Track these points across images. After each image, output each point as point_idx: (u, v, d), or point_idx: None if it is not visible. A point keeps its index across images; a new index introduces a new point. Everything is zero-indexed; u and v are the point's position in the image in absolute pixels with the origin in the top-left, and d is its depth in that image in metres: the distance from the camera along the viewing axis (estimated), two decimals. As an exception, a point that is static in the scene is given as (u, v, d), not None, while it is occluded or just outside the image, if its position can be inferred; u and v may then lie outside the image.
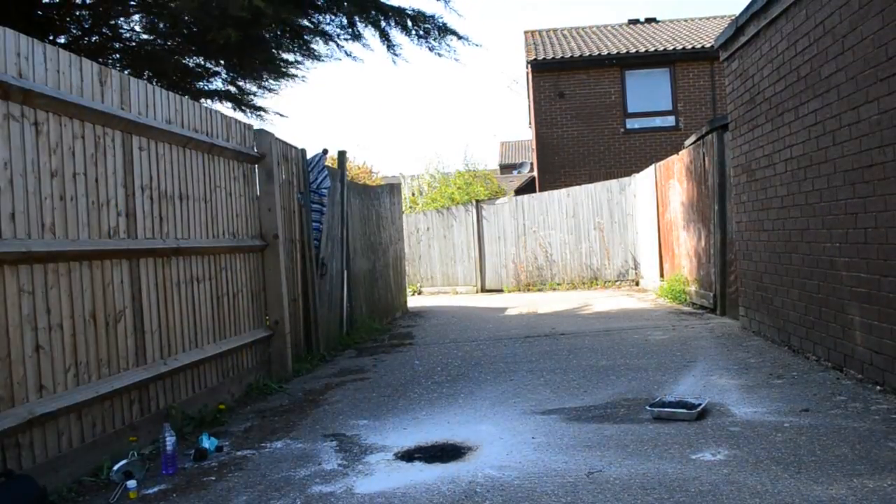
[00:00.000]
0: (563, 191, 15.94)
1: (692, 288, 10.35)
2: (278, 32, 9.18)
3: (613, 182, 15.34)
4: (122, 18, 9.02)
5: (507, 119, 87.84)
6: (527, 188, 24.23)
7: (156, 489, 3.74)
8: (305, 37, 9.48)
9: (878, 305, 4.68)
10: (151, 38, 9.39)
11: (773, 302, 6.68)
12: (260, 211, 6.63)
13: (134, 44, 9.45)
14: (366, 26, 9.22)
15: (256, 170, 6.63)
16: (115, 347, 4.33)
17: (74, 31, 8.91)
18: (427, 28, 9.12)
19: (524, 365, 6.55)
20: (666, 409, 4.41)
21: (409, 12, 9.00)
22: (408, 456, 4.00)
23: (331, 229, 8.58)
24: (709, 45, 16.80)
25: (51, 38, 8.25)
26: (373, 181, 23.96)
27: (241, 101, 10.79)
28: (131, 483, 3.64)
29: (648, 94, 18.03)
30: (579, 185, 16.14)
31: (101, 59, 8.46)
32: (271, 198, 6.65)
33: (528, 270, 16.17)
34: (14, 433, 3.46)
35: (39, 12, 8.14)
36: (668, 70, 17.94)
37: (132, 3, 8.42)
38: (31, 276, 3.66)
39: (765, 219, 6.78)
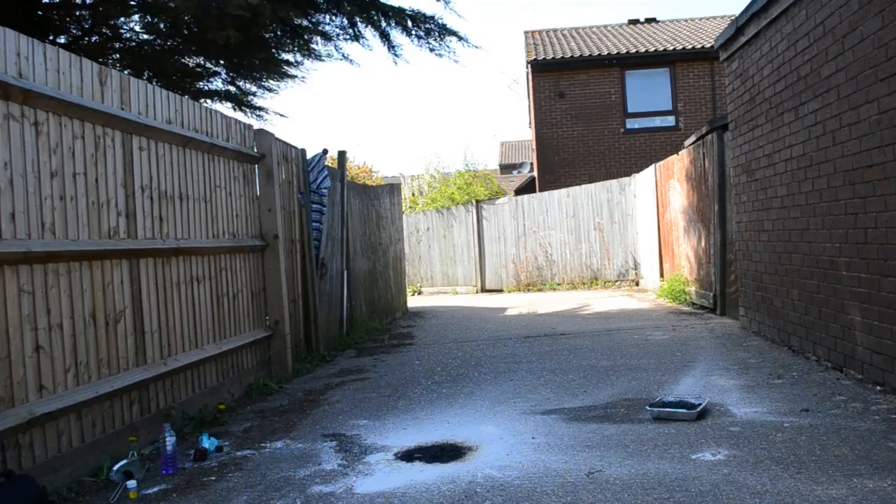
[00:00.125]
0: (563, 191, 15.94)
1: (692, 288, 10.35)
2: (278, 33, 9.18)
3: (613, 182, 15.34)
4: (122, 18, 9.02)
5: (507, 119, 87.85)
6: (527, 188, 24.24)
7: (156, 489, 3.74)
8: (305, 37, 9.48)
9: (878, 305, 4.68)
10: (151, 38, 9.39)
11: (773, 302, 6.68)
12: (260, 211, 6.63)
13: (134, 44, 9.45)
14: (366, 27, 9.22)
15: (256, 170, 6.63)
16: (115, 347, 4.33)
17: (74, 31, 8.91)
18: (427, 29, 9.12)
19: (524, 365, 6.55)
20: (666, 409, 4.41)
21: (410, 13, 9.00)
22: (408, 456, 4.00)
23: (331, 229, 8.58)
24: (709, 45, 16.79)
25: (51, 38, 8.25)
26: (373, 181, 23.96)
27: (241, 101, 10.80)
28: (131, 483, 3.65)
29: (648, 94, 18.03)
30: (579, 185, 16.14)
31: (101, 59, 8.46)
32: (271, 198, 6.65)
33: (528, 270, 16.17)
34: (14, 433, 3.46)
35: (39, 12, 8.14)
36: (668, 70, 17.94)
37: (132, 3, 8.42)
38: (31, 276, 3.67)
39: (765, 219, 6.78)
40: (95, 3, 8.54)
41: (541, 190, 17.66)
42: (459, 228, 17.45)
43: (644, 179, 13.88)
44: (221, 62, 9.65)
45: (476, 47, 12.47)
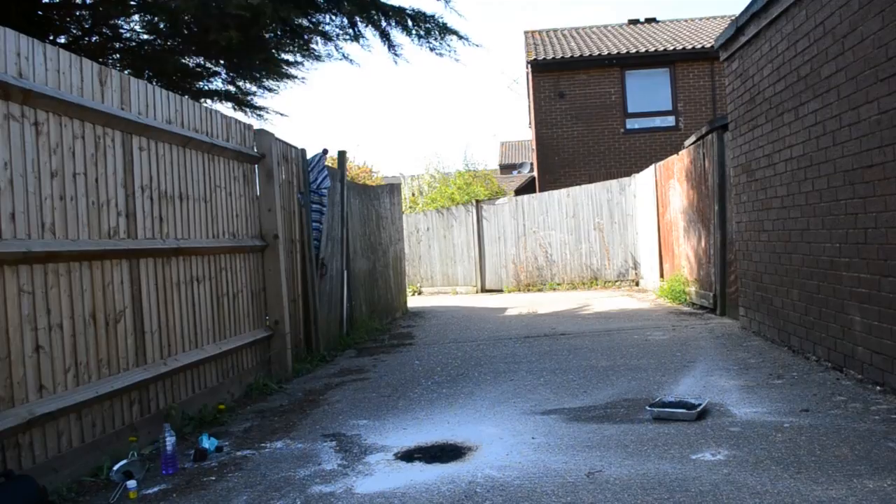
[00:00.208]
0: (563, 191, 15.94)
1: (692, 288, 10.35)
2: (278, 33, 9.18)
3: (613, 182, 15.34)
4: (122, 18, 9.02)
5: (507, 119, 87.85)
6: (527, 188, 24.24)
7: (156, 489, 3.74)
8: (305, 37, 9.48)
9: (878, 306, 4.68)
10: (151, 38, 9.39)
11: (773, 302, 6.68)
12: (260, 211, 6.63)
13: (134, 44, 9.45)
14: (366, 26, 9.22)
15: (256, 170, 6.63)
16: (115, 348, 4.33)
17: (74, 31, 8.91)
18: (428, 28, 9.12)
19: (524, 365, 6.55)
20: (666, 410, 4.41)
21: (410, 12, 9.00)
22: (408, 456, 4.00)
23: (331, 229, 8.58)
24: (709, 46, 16.79)
25: (51, 38, 8.25)
26: (373, 181, 23.95)
27: (241, 101, 10.80)
28: (131, 483, 3.65)
29: (648, 94, 18.03)
30: (579, 185, 16.14)
31: (101, 59, 8.46)
32: (271, 198, 6.65)
33: (528, 271, 16.17)
34: (14, 433, 3.46)
35: (39, 12, 8.14)
36: (668, 70, 17.94)
37: (132, 3, 8.42)
38: (31, 276, 3.67)
39: (765, 219, 6.78)
40: (95, 3, 8.54)
41: (541, 190, 17.66)
42: (459, 228, 17.45)
43: (644, 179, 13.88)
44: (221, 62, 9.65)
45: (476, 46, 12.46)
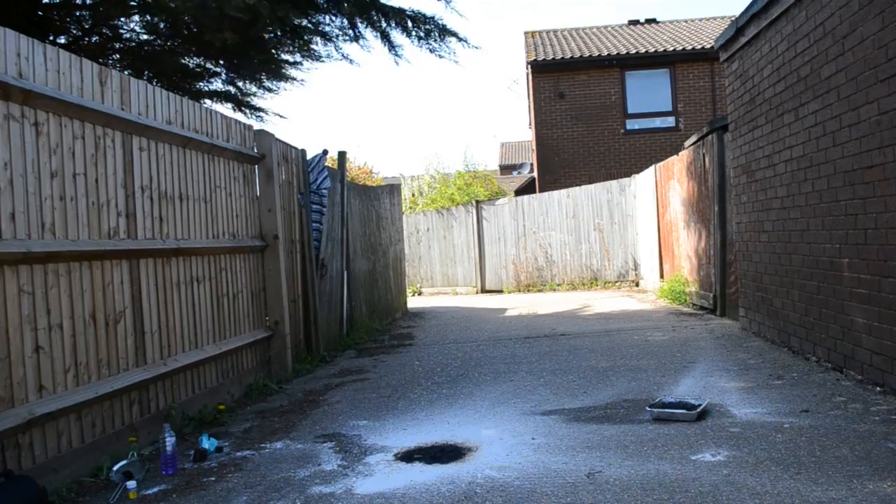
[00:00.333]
0: (563, 191, 15.94)
1: (692, 289, 10.35)
2: (278, 33, 9.18)
3: (613, 183, 15.34)
4: (122, 19, 9.02)
5: (507, 120, 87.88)
6: (527, 189, 24.24)
7: (156, 489, 3.74)
8: (305, 37, 9.48)
9: (878, 306, 4.68)
10: (151, 38, 9.39)
11: (773, 303, 6.68)
12: (260, 211, 6.63)
13: (134, 44, 9.45)
14: (366, 27, 9.23)
15: (256, 170, 6.63)
16: (115, 348, 4.33)
17: (74, 32, 8.91)
18: (428, 29, 9.12)
19: (524, 366, 6.55)
20: (666, 410, 4.41)
21: (410, 13, 9.00)
22: (408, 457, 4.00)
23: (331, 230, 8.58)
24: (709, 46, 16.80)
25: (51, 38, 8.25)
26: (373, 182, 23.96)
27: (240, 101, 10.80)
28: (131, 483, 3.64)
29: (648, 94, 18.03)
30: (579, 185, 16.14)
31: (101, 60, 8.46)
32: (271, 198, 6.65)
33: (528, 271, 16.17)
34: (14, 433, 3.46)
35: (40, 12, 8.14)
36: (668, 71, 17.94)
37: (132, 3, 8.42)
38: (31, 276, 3.67)
39: (765, 219, 6.78)
40: (95, 4, 8.54)
41: (541, 190, 17.66)
42: (459, 229, 17.45)
43: (644, 180, 13.89)
44: (221, 62, 9.65)
45: (476, 48, 12.48)
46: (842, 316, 5.25)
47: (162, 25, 8.81)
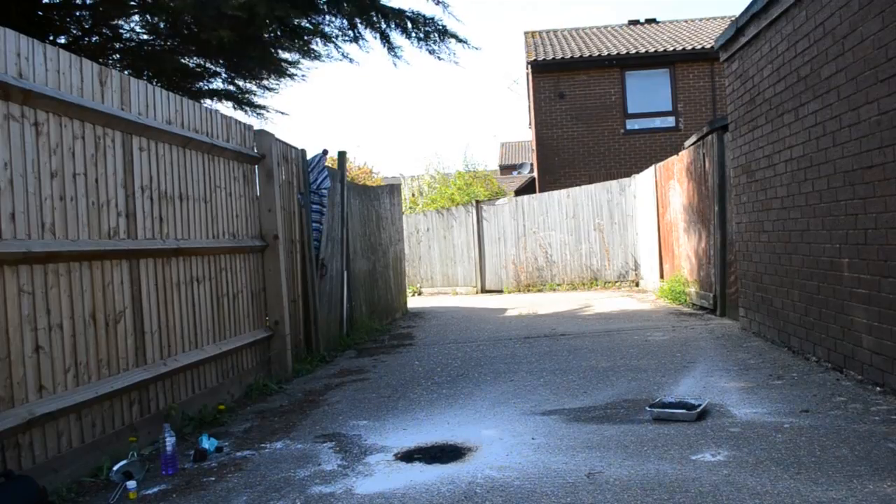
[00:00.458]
0: (563, 191, 15.94)
1: (692, 289, 10.35)
2: (277, 32, 9.19)
3: (613, 183, 15.34)
4: (122, 19, 9.02)
5: (507, 120, 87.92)
6: (527, 189, 24.24)
7: (156, 489, 3.74)
8: (305, 37, 9.48)
9: (878, 306, 4.68)
10: (151, 38, 9.39)
11: (773, 303, 6.68)
12: (260, 211, 6.63)
13: (134, 44, 9.45)
14: (366, 28, 9.23)
15: (256, 170, 6.63)
16: (115, 348, 4.33)
17: (74, 32, 8.91)
18: (427, 31, 9.12)
19: (524, 366, 6.55)
20: (666, 410, 4.41)
21: (409, 14, 9.00)
22: (408, 457, 4.00)
23: (331, 230, 8.58)
24: (709, 46, 16.80)
25: (51, 38, 8.25)
26: (373, 182, 23.96)
27: (240, 100, 10.80)
28: (131, 483, 3.64)
29: (648, 94, 18.03)
30: (579, 185, 16.14)
31: (101, 60, 8.46)
32: (271, 198, 6.65)
33: (528, 271, 16.17)
34: (14, 433, 3.46)
35: (40, 12, 8.14)
36: (668, 71, 17.94)
37: (132, 3, 8.43)
38: (31, 276, 3.66)
39: (765, 219, 6.78)
40: (95, 4, 8.55)
41: (541, 190, 17.66)
42: (459, 229, 17.45)
43: (644, 180, 13.89)
44: (221, 62, 9.66)
45: (476, 49, 12.48)
46: (842, 316, 5.25)
47: (162, 25, 8.81)
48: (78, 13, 8.82)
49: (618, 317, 9.93)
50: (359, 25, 9.21)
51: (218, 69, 9.96)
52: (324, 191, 8.12)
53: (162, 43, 9.29)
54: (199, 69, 9.88)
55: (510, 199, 16.97)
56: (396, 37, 9.31)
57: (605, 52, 17.91)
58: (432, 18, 9.03)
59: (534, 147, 19.81)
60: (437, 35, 9.16)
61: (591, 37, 20.35)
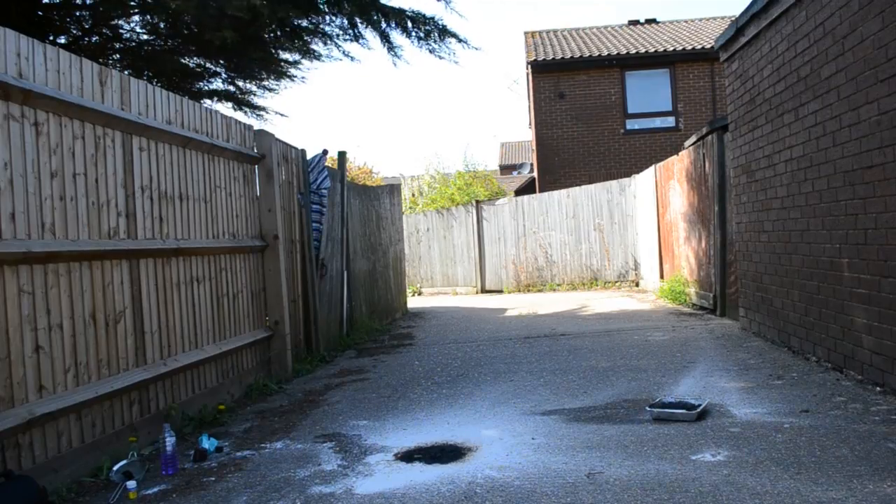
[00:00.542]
0: (563, 191, 15.94)
1: (692, 289, 10.35)
2: (278, 33, 9.19)
3: (613, 183, 15.34)
4: (122, 19, 9.03)
5: (507, 120, 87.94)
6: (527, 189, 24.24)
7: (156, 489, 3.74)
8: (305, 37, 9.49)
9: (878, 306, 4.68)
10: (151, 38, 9.40)
11: (773, 303, 6.68)
12: (260, 211, 6.63)
13: (134, 44, 9.46)
14: (366, 27, 9.24)
15: (256, 170, 6.63)
16: (115, 348, 4.33)
17: (75, 32, 8.91)
18: (427, 30, 9.13)
19: (524, 366, 6.55)
20: (666, 410, 4.41)
21: (410, 14, 9.01)
22: (408, 457, 4.00)
23: (331, 230, 8.58)
24: (709, 46, 16.80)
25: (51, 38, 8.25)
26: (373, 182, 23.96)
27: (240, 100, 10.81)
28: (131, 483, 3.64)
29: (648, 94, 18.03)
30: (579, 185, 16.14)
31: (101, 60, 8.46)
32: (271, 198, 6.65)
33: (528, 271, 16.17)
34: (14, 433, 3.46)
35: (40, 12, 8.14)
36: (668, 71, 17.94)
37: (132, 3, 8.43)
38: (31, 276, 3.66)
39: (765, 220, 6.78)
40: (95, 4, 8.55)
41: (541, 190, 17.66)
42: (459, 229, 17.45)
43: (644, 180, 13.89)
44: (221, 62, 9.66)
45: (476, 49, 12.51)
46: (842, 316, 5.25)
47: (162, 25, 8.81)
48: (78, 13, 8.82)
49: (618, 317, 9.93)
50: (359, 25, 9.21)
51: (218, 69, 9.96)
52: (324, 191, 8.12)
53: (162, 43, 9.29)
54: (199, 69, 9.88)
55: (510, 199, 16.97)
56: (397, 36, 9.33)
57: (605, 52, 17.91)
58: (432, 18, 9.05)
59: (534, 147, 19.81)
60: (437, 34, 9.16)
61: (591, 37, 20.35)
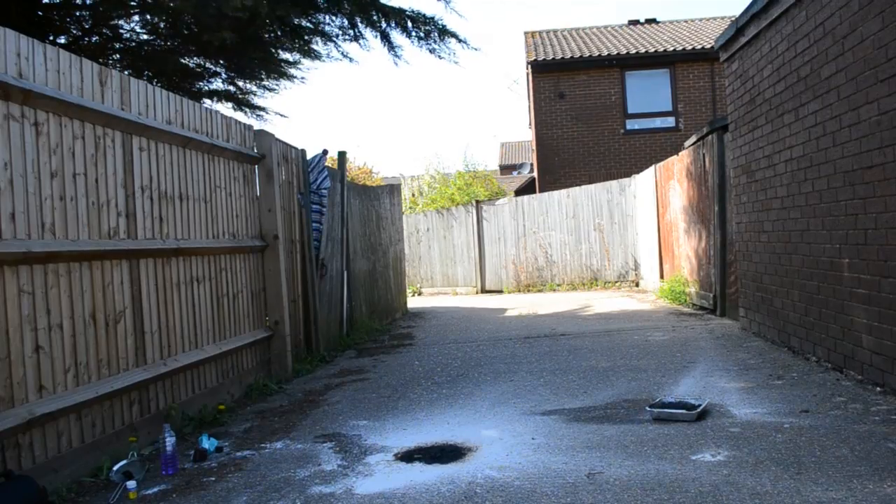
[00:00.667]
0: (563, 192, 15.94)
1: (692, 289, 10.35)
2: (278, 32, 9.19)
3: (613, 183, 15.34)
4: (122, 19, 9.03)
5: (507, 120, 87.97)
6: (527, 189, 24.25)
7: (156, 489, 3.74)
8: (305, 37, 9.49)
9: (878, 306, 4.68)
10: (151, 38, 9.40)
11: (773, 303, 6.68)
12: (260, 211, 6.63)
13: (134, 44, 9.46)
14: (366, 27, 9.24)
15: (256, 170, 6.63)
16: (115, 348, 4.33)
17: (75, 32, 8.91)
18: (427, 30, 9.13)
19: (524, 366, 6.55)
20: (666, 410, 4.41)
21: (410, 14, 9.01)
22: (408, 457, 4.00)
23: (331, 230, 8.58)
24: (709, 46, 16.80)
25: (51, 38, 8.25)
26: (373, 182, 23.96)
27: (240, 100, 10.81)
28: (131, 483, 3.64)
29: (648, 94, 18.03)
30: (579, 185, 16.14)
31: (101, 60, 8.46)
32: (271, 198, 6.65)
33: (528, 271, 16.17)
34: (14, 433, 3.46)
35: (40, 12, 8.14)
36: (668, 71, 17.94)
37: (132, 3, 8.43)
38: (31, 276, 3.66)
39: (765, 220, 6.78)
40: (95, 4, 8.55)
41: (541, 190, 17.66)
42: (459, 229, 17.45)
43: (644, 180, 13.88)
44: (221, 62, 9.66)
45: (475, 49, 12.51)
46: (842, 316, 5.25)
47: (162, 25, 8.81)
48: (78, 13, 8.82)
49: (618, 317, 9.93)
50: (359, 24, 9.21)
51: (218, 69, 9.96)
52: (324, 191, 8.12)
53: (162, 43, 9.29)
54: (199, 69, 9.88)
55: (510, 199, 16.97)
56: (397, 36, 9.33)
57: (605, 52, 17.91)
58: (432, 18, 9.05)
59: (534, 147, 19.81)
60: (437, 34, 9.16)
61: (591, 37, 20.35)
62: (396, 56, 9.61)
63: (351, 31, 9.36)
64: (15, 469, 3.43)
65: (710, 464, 3.51)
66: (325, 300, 8.27)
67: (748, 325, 7.51)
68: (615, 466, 3.56)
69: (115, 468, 3.79)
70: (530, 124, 21.77)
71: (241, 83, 10.55)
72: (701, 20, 21.49)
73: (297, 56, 10.14)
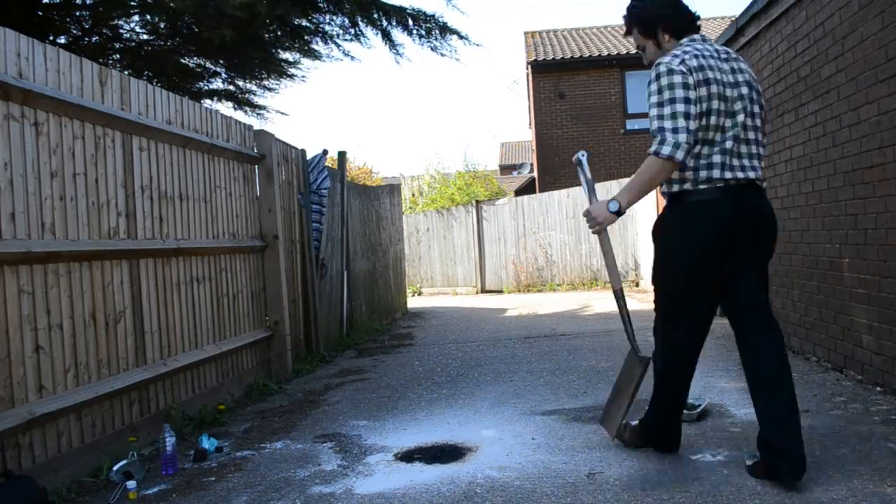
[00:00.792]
0: (564, 191, 15.94)
1: (692, 289, 10.33)
2: (278, 32, 9.19)
3: (614, 183, 15.33)
4: (122, 19, 9.03)
5: (507, 120, 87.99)
6: (527, 189, 24.26)
7: (155, 489, 3.74)
8: (306, 37, 9.49)
9: (878, 306, 4.68)
10: (151, 38, 9.40)
11: (773, 303, 6.67)
12: (260, 211, 6.63)
13: (134, 44, 9.46)
14: (367, 26, 9.24)
15: (257, 170, 6.64)
16: (115, 348, 4.33)
17: (75, 32, 8.91)
18: (428, 28, 9.13)
19: (524, 366, 6.55)
20: (666, 410, 4.40)
21: (411, 12, 9.01)
22: (408, 457, 4.00)
23: (331, 230, 8.58)
24: (709, 46, 16.77)
25: (51, 38, 8.25)
26: (373, 181, 23.96)
27: (241, 100, 10.81)
28: (131, 483, 3.64)
29: (648, 94, 18.01)
30: (579, 185, 16.13)
31: (101, 60, 8.46)
32: (271, 198, 6.65)
33: (528, 271, 16.17)
34: (14, 433, 3.46)
35: (40, 12, 8.14)
36: (668, 71, 17.91)
37: (132, 3, 8.43)
38: (31, 276, 3.66)
39: (765, 220, 6.77)
40: (95, 3, 8.55)
41: (541, 190, 17.67)
42: (459, 229, 17.46)
43: (644, 180, 13.87)
44: (221, 62, 9.67)
45: (477, 45, 12.54)
46: (842, 316, 5.25)
47: (162, 25, 8.81)
48: (78, 13, 8.82)
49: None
50: (360, 23, 9.22)
51: (218, 69, 9.97)
52: (324, 191, 8.12)
53: (162, 43, 9.29)
54: (199, 69, 9.89)
55: (510, 199, 16.98)
56: (398, 34, 9.33)
57: (605, 52, 17.92)
58: (433, 15, 9.05)
59: (534, 147, 19.81)
60: (438, 32, 9.17)
61: (591, 37, 20.36)
62: (398, 54, 9.62)
63: (352, 30, 9.37)
64: (15, 469, 3.43)
65: (710, 464, 3.51)
66: (325, 300, 8.28)
67: (748, 325, 7.49)
68: (615, 466, 3.56)
69: (115, 468, 3.79)
70: (530, 124, 21.78)
71: (241, 83, 10.56)
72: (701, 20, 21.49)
73: (297, 56, 10.15)
